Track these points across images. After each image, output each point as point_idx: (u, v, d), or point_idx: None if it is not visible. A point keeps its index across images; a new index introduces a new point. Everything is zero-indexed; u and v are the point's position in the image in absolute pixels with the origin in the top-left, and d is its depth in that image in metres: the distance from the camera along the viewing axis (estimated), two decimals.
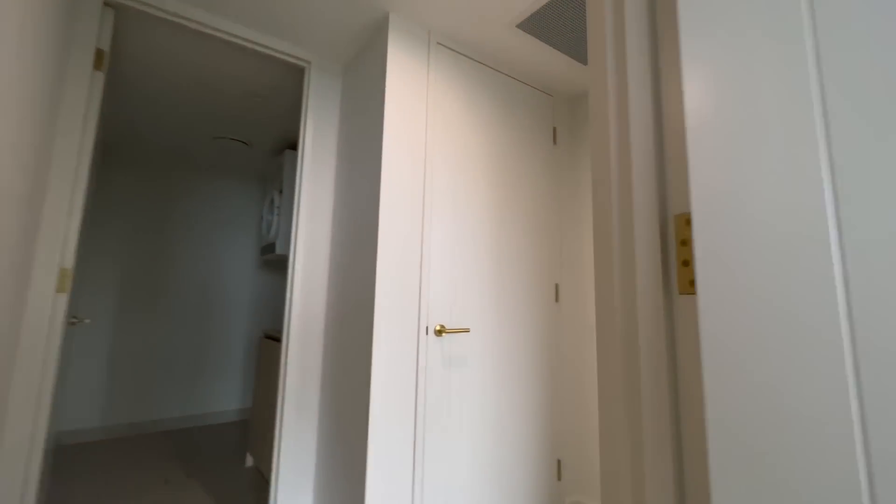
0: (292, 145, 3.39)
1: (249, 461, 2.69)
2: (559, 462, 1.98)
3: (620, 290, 0.55)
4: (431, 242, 1.74)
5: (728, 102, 0.45)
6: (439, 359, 1.72)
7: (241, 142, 3.30)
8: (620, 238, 0.56)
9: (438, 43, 1.84)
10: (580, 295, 2.10)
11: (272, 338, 2.61)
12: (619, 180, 0.57)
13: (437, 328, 1.72)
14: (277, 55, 1.93)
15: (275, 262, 4.12)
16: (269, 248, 3.26)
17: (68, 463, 2.71)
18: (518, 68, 2.04)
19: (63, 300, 1.45)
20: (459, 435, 1.72)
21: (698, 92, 0.47)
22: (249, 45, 1.86)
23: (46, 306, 1.40)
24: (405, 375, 1.61)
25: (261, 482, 2.44)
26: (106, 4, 1.59)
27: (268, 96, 2.58)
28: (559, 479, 1.97)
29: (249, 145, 3.37)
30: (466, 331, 1.74)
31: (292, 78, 2.34)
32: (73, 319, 1.76)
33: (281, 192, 3.17)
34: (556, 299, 2.09)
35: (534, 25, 1.78)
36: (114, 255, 3.36)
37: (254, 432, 2.66)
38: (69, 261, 1.47)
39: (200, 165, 3.80)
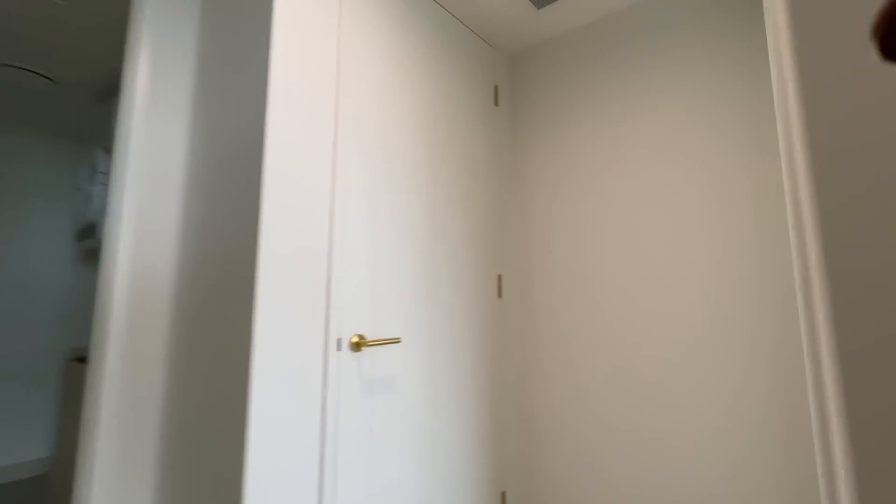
0: None
1: None
2: (504, 495, 1.61)
3: None
4: (345, 224, 1.20)
5: None
6: (357, 383, 1.19)
7: (39, 75, 2.26)
8: None
9: None
10: (526, 289, 1.75)
11: (87, 360, 1.76)
12: None
13: (355, 340, 1.19)
14: None
15: (99, 252, 3.04)
16: (89, 232, 2.30)
17: None
18: (459, 2, 1.59)
19: None
20: (384, 480, 1.22)
21: None
22: None
23: None
24: (305, 411, 1.06)
25: None
26: None
27: (76, 2, 1.71)
28: None
29: (55, 82, 2.34)
30: (396, 341, 1.24)
31: None
32: None
33: (110, 151, 2.25)
34: (499, 294, 1.71)
35: None
36: None
37: (55, 496, 1.78)
38: None
39: None
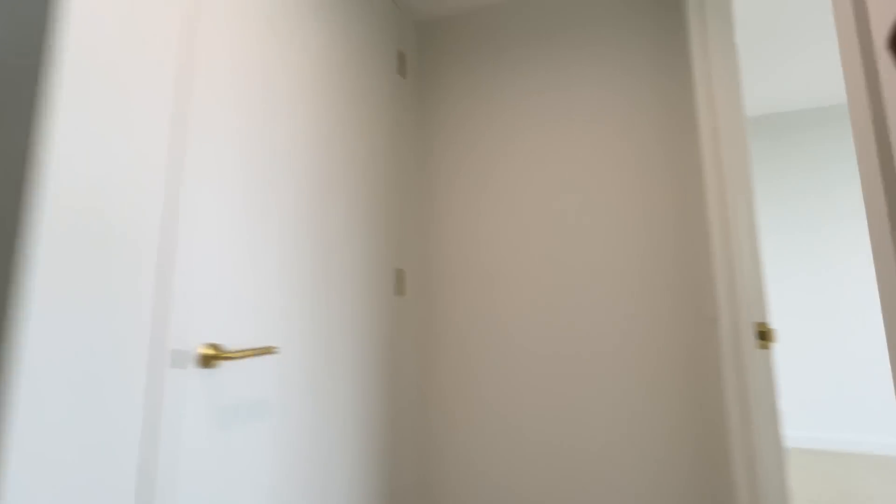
0: None
1: None
2: None
3: None
4: (201, 193, 0.86)
5: None
6: (207, 410, 0.86)
7: None
8: None
9: None
10: (432, 285, 1.54)
11: None
12: None
13: (206, 352, 0.85)
14: None
15: None
16: None
17: None
18: None
19: None
20: None
21: None
22: None
23: None
24: (114, 460, 0.70)
25: None
26: None
27: None
28: None
29: None
30: (269, 351, 0.93)
31: None
32: None
33: None
34: (401, 291, 1.48)
35: None
36: None
37: None
38: None
39: None
